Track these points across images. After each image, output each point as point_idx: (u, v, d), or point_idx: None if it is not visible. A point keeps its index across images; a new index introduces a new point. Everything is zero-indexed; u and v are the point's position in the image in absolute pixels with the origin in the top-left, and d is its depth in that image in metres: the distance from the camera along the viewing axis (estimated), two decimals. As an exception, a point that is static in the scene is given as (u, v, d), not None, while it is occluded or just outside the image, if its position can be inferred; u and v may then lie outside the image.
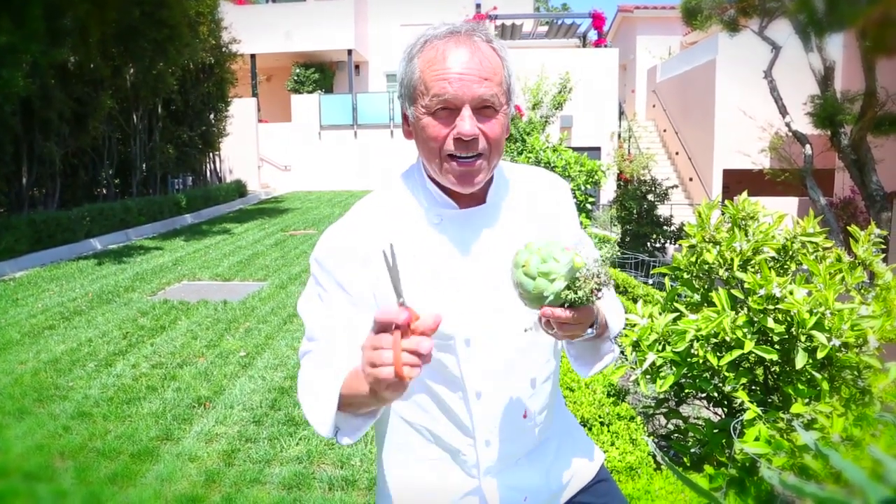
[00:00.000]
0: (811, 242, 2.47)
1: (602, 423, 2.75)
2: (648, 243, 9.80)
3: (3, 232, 8.17)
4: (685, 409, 3.02)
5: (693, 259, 2.58)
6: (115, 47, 11.20)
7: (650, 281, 7.61)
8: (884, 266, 2.42)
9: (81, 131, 10.43)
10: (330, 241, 1.14)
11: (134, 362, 4.76)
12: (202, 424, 3.70)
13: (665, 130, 17.27)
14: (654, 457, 2.51)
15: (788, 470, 1.91)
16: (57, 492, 3.05)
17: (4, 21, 7.87)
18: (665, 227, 9.89)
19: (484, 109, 1.05)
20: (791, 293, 2.14)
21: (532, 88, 9.21)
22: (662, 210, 10.43)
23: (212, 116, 15.78)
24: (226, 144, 16.70)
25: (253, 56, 18.77)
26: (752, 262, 2.42)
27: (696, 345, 2.31)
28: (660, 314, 2.49)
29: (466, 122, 1.04)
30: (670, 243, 9.96)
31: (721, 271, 2.46)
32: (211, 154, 16.34)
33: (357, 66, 20.15)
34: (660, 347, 2.42)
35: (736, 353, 2.20)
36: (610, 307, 1.19)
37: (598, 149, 15.52)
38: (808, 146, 7.79)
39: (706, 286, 2.58)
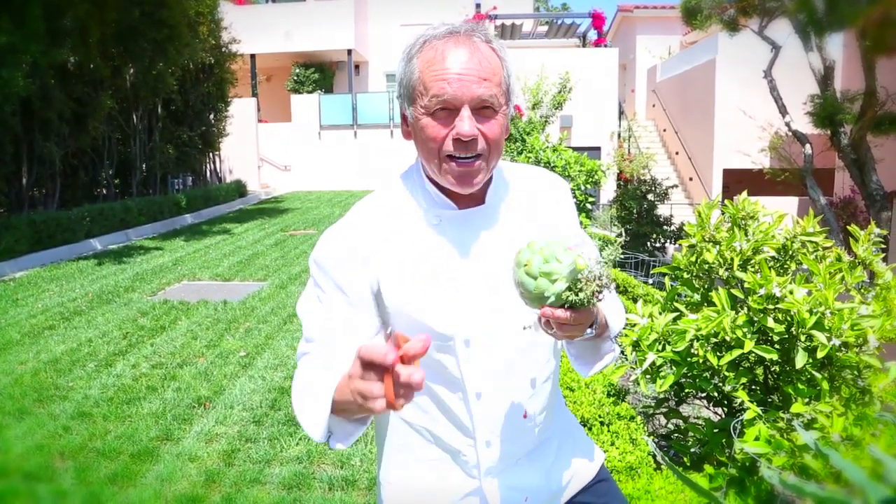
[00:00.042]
0: (811, 242, 2.47)
1: (602, 423, 2.75)
2: (648, 243, 9.80)
3: (3, 232, 8.17)
4: (685, 409, 3.02)
5: (693, 259, 2.58)
6: (115, 47, 11.20)
7: (650, 281, 7.61)
8: (884, 265, 2.42)
9: (81, 131, 10.43)
10: (329, 242, 1.14)
11: (134, 362, 4.76)
12: (202, 424, 3.70)
13: (665, 130, 17.27)
14: (654, 456, 2.51)
15: (788, 470, 1.91)
16: (57, 492, 3.05)
17: (4, 21, 7.87)
18: (665, 227, 9.90)
19: (483, 110, 1.05)
20: (791, 293, 2.14)
21: (532, 88, 9.21)
22: (662, 210, 10.44)
23: (212, 116, 15.78)
24: (226, 144, 16.70)
25: (253, 56, 18.77)
26: (752, 261, 2.42)
27: (696, 344, 2.31)
28: (660, 314, 2.49)
29: (465, 123, 1.03)
30: (670, 243, 9.96)
31: (721, 271, 2.46)
32: (211, 154, 16.34)
33: (357, 66, 20.15)
34: (660, 347, 2.42)
35: (736, 352, 2.20)
36: (610, 307, 1.19)
37: (598, 148, 15.51)
38: (808, 146, 7.79)
39: (706, 286, 2.58)
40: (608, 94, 15.89)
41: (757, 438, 2.05)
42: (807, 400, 2.16)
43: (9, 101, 8.20)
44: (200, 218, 13.45)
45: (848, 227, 2.67)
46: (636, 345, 2.46)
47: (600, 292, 0.98)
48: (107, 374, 4.51)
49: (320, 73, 20.04)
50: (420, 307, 1.10)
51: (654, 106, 18.37)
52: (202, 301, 6.47)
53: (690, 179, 15.21)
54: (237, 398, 4.05)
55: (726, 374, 2.29)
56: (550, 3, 39.03)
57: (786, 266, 2.51)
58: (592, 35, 18.15)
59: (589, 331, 1.05)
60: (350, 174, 18.06)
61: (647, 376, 2.46)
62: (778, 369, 2.36)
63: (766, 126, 11.08)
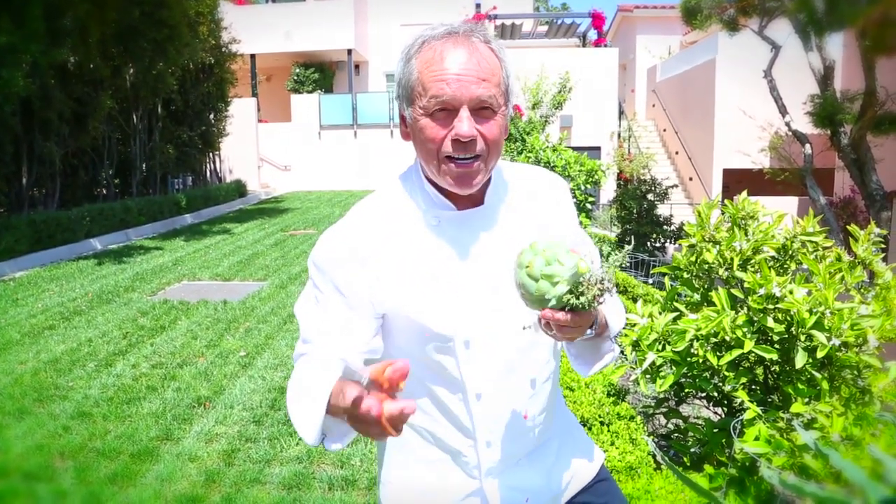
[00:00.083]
0: (811, 242, 2.47)
1: (602, 423, 2.75)
2: (648, 243, 9.80)
3: (3, 232, 8.17)
4: (685, 409, 3.02)
5: (693, 258, 2.58)
6: (115, 47, 11.20)
7: (650, 280, 7.61)
8: (883, 265, 2.42)
9: (81, 131, 10.44)
10: (327, 243, 1.14)
11: (134, 362, 4.76)
12: (202, 424, 3.70)
13: (665, 130, 17.27)
14: (653, 456, 2.51)
15: (788, 469, 1.91)
16: (57, 492, 3.05)
17: (4, 21, 7.87)
18: (665, 227, 9.89)
19: (482, 111, 1.05)
20: (791, 292, 2.14)
21: (532, 88, 9.21)
22: (662, 210, 10.43)
23: (212, 116, 15.78)
24: (226, 144, 16.70)
25: (253, 56, 18.77)
26: (752, 261, 2.42)
27: (695, 344, 2.31)
28: (660, 314, 2.49)
29: (464, 124, 1.03)
30: (670, 243, 9.96)
31: (721, 271, 2.46)
32: (211, 154, 16.34)
33: (357, 66, 20.15)
34: (660, 347, 2.42)
35: (736, 352, 2.20)
36: (610, 307, 1.19)
37: (598, 148, 15.52)
38: (807, 146, 7.78)
39: (706, 286, 2.58)
40: (608, 94, 15.90)
41: (757, 438, 2.05)
42: (807, 400, 2.16)
43: (9, 101, 8.20)
44: (200, 218, 13.45)
45: (848, 227, 2.67)
46: (636, 345, 2.46)
47: (601, 296, 0.98)
48: (107, 374, 4.51)
49: (320, 73, 20.04)
50: (419, 308, 1.10)
51: (654, 106, 18.37)
52: (202, 301, 6.47)
53: (690, 179, 15.21)
54: (237, 398, 4.05)
55: (726, 373, 2.29)
56: (550, 3, 39.05)
57: (786, 266, 2.51)
58: (592, 35, 18.16)
59: (589, 331, 1.05)
60: (350, 174, 18.06)
61: (647, 376, 2.46)
62: (778, 369, 2.36)
63: (766, 126, 11.08)
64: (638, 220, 9.88)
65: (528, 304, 1.00)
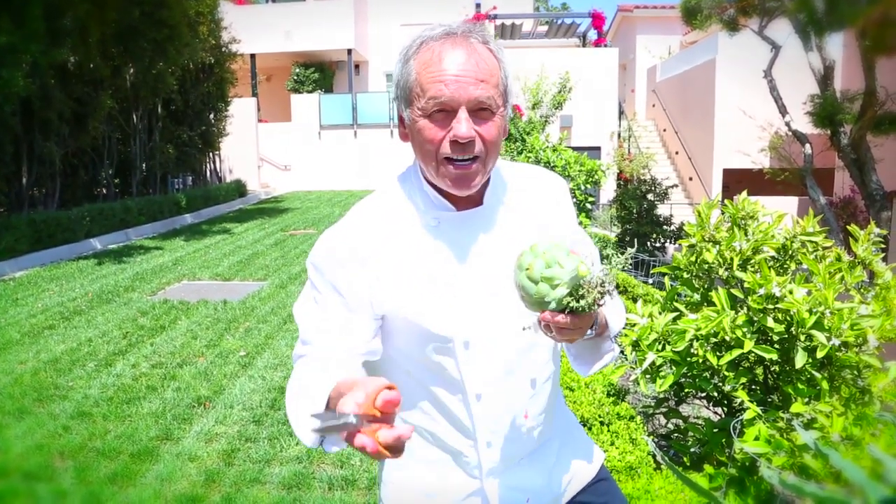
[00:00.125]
0: (811, 242, 2.47)
1: (602, 423, 2.75)
2: (648, 243, 9.80)
3: (3, 232, 8.17)
4: (685, 409, 3.02)
5: (693, 258, 2.58)
6: (115, 47, 11.19)
7: (650, 280, 7.61)
8: (883, 265, 2.42)
9: (81, 131, 10.43)
10: (326, 244, 1.13)
11: (134, 362, 4.76)
12: (202, 424, 3.70)
13: (665, 130, 17.27)
14: (653, 456, 2.51)
15: (788, 469, 1.91)
16: (57, 492, 3.05)
17: (4, 21, 7.87)
18: (665, 227, 9.89)
19: (480, 111, 1.05)
20: (791, 292, 2.14)
21: (532, 88, 9.21)
22: (662, 209, 10.43)
23: (212, 116, 15.78)
24: (226, 144, 16.70)
25: (253, 56, 18.77)
26: (752, 261, 2.42)
27: (695, 344, 2.31)
28: (659, 314, 2.49)
29: (463, 125, 1.03)
30: (670, 243, 9.96)
31: (721, 271, 2.46)
32: (211, 154, 16.34)
33: (357, 66, 20.15)
34: (659, 347, 2.42)
35: (736, 352, 2.20)
36: (611, 306, 1.18)
37: (598, 148, 15.52)
38: (807, 145, 7.79)
39: (706, 286, 2.58)
40: (608, 94, 15.90)
41: (757, 438, 2.05)
42: (806, 400, 2.16)
43: (9, 101, 8.20)
44: (200, 218, 13.45)
45: (848, 226, 2.67)
46: (636, 344, 2.46)
47: (601, 299, 0.97)
48: (107, 374, 4.51)
49: (320, 73, 20.04)
50: (418, 310, 1.10)
51: (654, 106, 18.37)
52: (202, 301, 6.47)
53: (690, 179, 15.21)
54: (237, 398, 4.05)
55: (726, 373, 2.29)
56: (550, 2, 39.05)
57: (785, 266, 2.51)
58: (592, 35, 18.17)
59: (589, 332, 1.05)
60: (350, 174, 18.06)
61: (647, 376, 2.46)
62: (778, 369, 2.36)
63: (766, 126, 11.08)
64: (638, 220, 9.88)
65: (527, 306, 1.00)
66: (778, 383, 2.34)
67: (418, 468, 1.19)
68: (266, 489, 3.02)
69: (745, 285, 2.30)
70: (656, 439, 2.98)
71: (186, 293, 6.91)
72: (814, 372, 2.16)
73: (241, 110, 17.22)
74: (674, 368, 2.40)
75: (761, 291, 2.19)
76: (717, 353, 2.27)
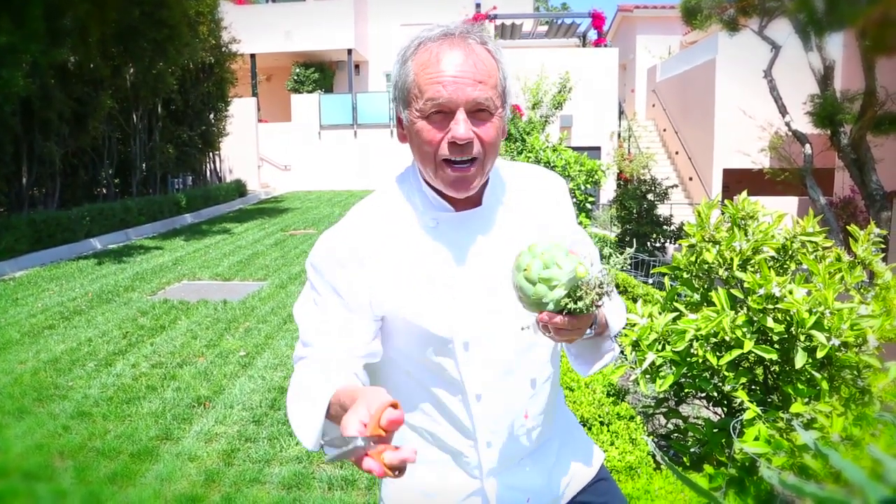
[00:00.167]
0: (811, 242, 2.47)
1: (602, 423, 2.75)
2: (648, 243, 9.80)
3: (3, 232, 8.17)
4: (685, 409, 3.02)
5: (693, 259, 2.58)
6: (115, 47, 11.20)
7: (650, 280, 7.61)
8: (883, 265, 2.42)
9: (81, 131, 10.43)
10: (325, 245, 1.13)
11: (134, 362, 4.76)
12: (202, 424, 3.70)
13: (665, 130, 17.27)
14: (653, 456, 2.51)
15: (788, 469, 1.91)
16: (56, 491, 3.05)
17: (4, 21, 7.87)
18: (665, 227, 9.90)
19: (479, 113, 1.04)
20: (790, 293, 2.14)
21: (532, 88, 9.20)
22: (662, 209, 10.44)
23: (212, 116, 15.78)
24: (226, 144, 16.70)
25: (253, 56, 18.77)
26: (752, 261, 2.42)
27: (695, 344, 2.31)
28: (659, 314, 2.49)
29: (461, 126, 1.03)
30: (670, 243, 9.96)
31: (721, 271, 2.46)
32: (211, 154, 16.34)
33: (357, 66, 20.15)
34: (659, 347, 2.42)
35: (735, 352, 2.20)
36: (611, 306, 1.18)
37: (598, 148, 15.52)
38: (807, 146, 7.78)
39: (706, 286, 2.58)
40: (608, 94, 15.90)
41: (756, 438, 2.05)
42: (806, 400, 2.16)
43: (9, 101, 8.20)
44: (200, 217, 13.45)
45: (848, 227, 2.67)
46: (636, 345, 2.46)
47: (600, 300, 0.97)
48: (106, 374, 4.51)
49: (320, 73, 20.04)
50: (417, 311, 1.10)
51: (654, 106, 18.37)
52: (202, 301, 6.47)
53: (690, 179, 15.21)
54: (237, 398, 4.05)
55: (726, 374, 2.29)
56: (550, 2, 39.06)
57: (785, 266, 2.51)
58: (592, 35, 18.17)
59: (589, 331, 1.05)
60: (350, 174, 18.06)
61: (647, 376, 2.46)
62: (777, 369, 2.36)
63: (766, 126, 11.08)
64: (638, 220, 9.88)
65: (525, 306, 1.00)
66: (778, 383, 2.34)
67: (418, 468, 1.18)
68: (266, 489, 3.02)
69: (745, 285, 2.30)
70: (656, 439, 2.98)
71: (186, 293, 6.91)
72: (814, 372, 2.16)
73: (241, 110, 17.22)
74: (674, 368, 2.40)
75: (761, 291, 2.19)
76: (717, 354, 2.27)
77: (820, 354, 2.06)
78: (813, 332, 2.08)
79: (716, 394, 2.54)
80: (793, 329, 2.15)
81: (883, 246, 2.51)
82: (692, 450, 2.46)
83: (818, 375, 2.16)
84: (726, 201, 2.61)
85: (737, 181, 12.38)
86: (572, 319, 0.97)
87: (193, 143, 14.96)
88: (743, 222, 2.54)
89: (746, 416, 2.18)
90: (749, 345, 2.18)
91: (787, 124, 8.01)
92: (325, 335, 1.09)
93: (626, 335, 2.46)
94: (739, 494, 2.05)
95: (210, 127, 15.63)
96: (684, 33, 16.91)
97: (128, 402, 4.02)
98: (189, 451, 3.37)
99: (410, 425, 1.17)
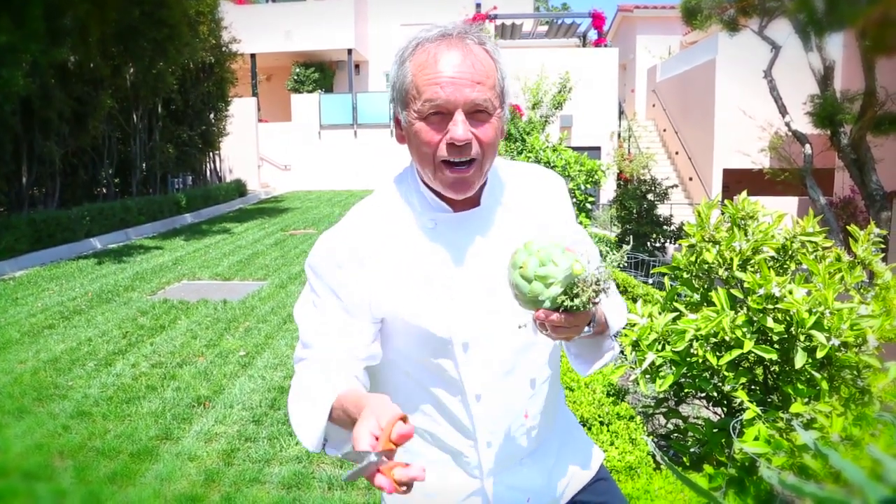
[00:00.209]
0: (811, 242, 2.47)
1: (601, 423, 2.75)
2: (648, 243, 9.81)
3: (3, 231, 8.17)
4: (685, 409, 3.02)
5: (693, 259, 2.58)
6: (115, 47, 11.19)
7: (650, 280, 7.61)
8: (883, 265, 2.42)
9: (81, 131, 10.43)
10: (324, 247, 1.13)
11: (134, 362, 4.76)
12: (202, 424, 3.70)
13: (665, 130, 17.27)
14: (653, 456, 2.51)
15: (788, 469, 1.91)
16: (56, 491, 3.05)
17: (4, 21, 7.87)
18: (665, 227, 9.90)
19: (477, 113, 1.04)
20: (790, 293, 2.15)
21: (532, 88, 9.20)
22: (662, 209, 10.44)
23: (212, 116, 15.78)
24: (226, 144, 16.70)
25: (253, 56, 18.77)
26: (752, 261, 2.42)
27: (695, 344, 2.31)
28: (659, 314, 2.49)
29: (459, 128, 1.02)
30: (670, 243, 9.96)
31: (720, 271, 2.46)
32: (211, 154, 16.34)
33: (357, 66, 20.15)
34: (659, 347, 2.42)
35: (735, 352, 2.21)
36: (611, 304, 1.18)
37: (598, 148, 15.52)
38: (807, 146, 7.78)
39: (706, 286, 2.58)
40: (608, 94, 15.90)
41: (756, 438, 2.05)
42: (806, 400, 2.16)
43: (9, 101, 8.20)
44: (200, 217, 13.45)
45: (848, 227, 2.67)
46: (636, 344, 2.46)
47: (597, 297, 0.96)
48: (106, 374, 4.51)
49: (320, 73, 20.04)
50: (416, 312, 1.10)
51: (654, 106, 18.37)
52: (202, 300, 6.47)
53: (690, 179, 15.21)
54: (237, 398, 4.05)
55: (726, 373, 2.29)
56: (550, 3, 39.05)
57: (785, 266, 2.51)
58: (592, 35, 18.18)
59: (587, 329, 1.04)
60: (350, 174, 18.06)
61: (647, 376, 2.46)
62: (777, 369, 2.36)
63: (766, 126, 11.08)
64: (638, 220, 9.88)
65: (521, 304, 0.99)
66: (778, 383, 2.34)
67: (419, 468, 1.18)
68: (266, 489, 3.02)
69: (745, 285, 2.30)
70: (656, 439, 2.98)
71: (186, 293, 6.91)
72: (813, 372, 2.16)
73: (241, 110, 17.22)
74: (673, 368, 2.40)
75: (761, 291, 2.19)
76: (717, 354, 2.27)
77: (820, 354, 2.06)
78: (813, 332, 2.08)
79: (716, 394, 2.54)
80: (793, 329, 2.15)
81: (883, 246, 2.51)
82: (692, 450, 2.46)
83: (818, 375, 2.16)
84: (726, 201, 2.61)
85: (737, 181, 12.37)
86: (569, 317, 0.96)
87: (193, 142, 14.95)
88: (743, 222, 2.54)
89: (746, 416, 2.18)
90: (749, 345, 2.18)
91: (787, 124, 8.01)
92: (324, 336, 1.10)
93: (626, 335, 2.46)
94: (739, 494, 2.05)
95: (210, 127, 15.63)
96: (684, 33, 16.91)
97: (128, 401, 4.02)
98: (189, 451, 3.37)
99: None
